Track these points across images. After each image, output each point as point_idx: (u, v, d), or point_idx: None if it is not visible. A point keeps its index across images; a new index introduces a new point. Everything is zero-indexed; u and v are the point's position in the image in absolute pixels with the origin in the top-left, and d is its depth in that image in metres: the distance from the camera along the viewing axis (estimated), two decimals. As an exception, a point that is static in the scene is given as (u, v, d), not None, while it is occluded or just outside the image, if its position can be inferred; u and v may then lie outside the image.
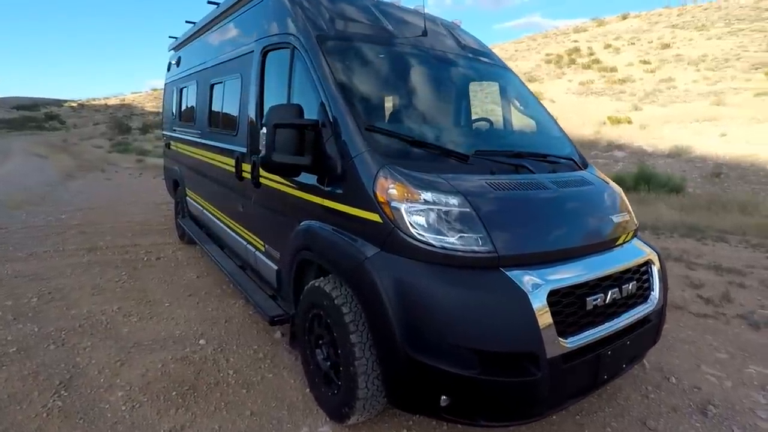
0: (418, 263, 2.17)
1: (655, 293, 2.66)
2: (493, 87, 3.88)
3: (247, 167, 3.59)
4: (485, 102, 4.08)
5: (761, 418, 2.82)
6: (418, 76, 3.11)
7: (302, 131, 2.60)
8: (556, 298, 2.14)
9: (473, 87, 3.88)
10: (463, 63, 3.58)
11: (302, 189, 2.82)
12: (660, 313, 2.70)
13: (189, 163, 5.54)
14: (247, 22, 3.80)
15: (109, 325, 3.84)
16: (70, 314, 4.00)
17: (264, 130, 2.59)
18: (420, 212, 2.20)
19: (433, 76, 3.29)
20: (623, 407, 2.89)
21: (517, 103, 3.80)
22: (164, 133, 7.10)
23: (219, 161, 4.27)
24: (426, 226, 2.19)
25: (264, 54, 3.39)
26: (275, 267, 3.27)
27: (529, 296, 2.07)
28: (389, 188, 2.28)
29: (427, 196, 2.24)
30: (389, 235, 2.23)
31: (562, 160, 3.03)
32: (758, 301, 4.68)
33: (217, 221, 4.55)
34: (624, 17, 58.28)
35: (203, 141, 4.84)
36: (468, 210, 2.21)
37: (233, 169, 3.84)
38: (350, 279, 2.36)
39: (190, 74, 5.51)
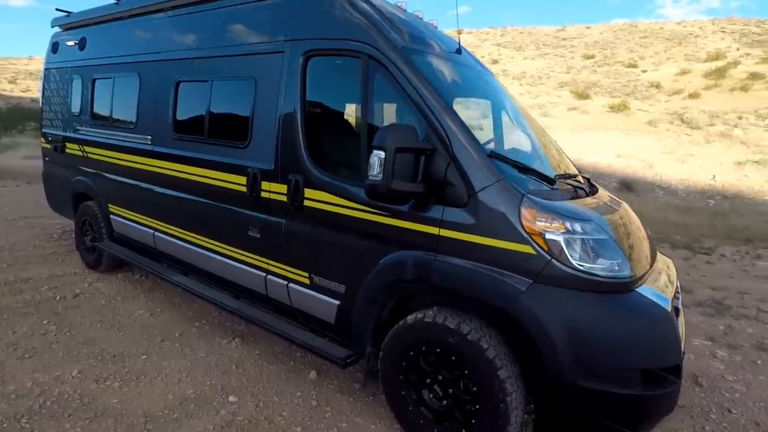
0: (577, 293, 2.19)
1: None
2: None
3: (273, 186, 3.09)
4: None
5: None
6: (486, 97, 3.09)
7: (419, 156, 2.36)
8: None
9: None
10: (493, 80, 3.66)
11: (398, 217, 2.55)
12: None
13: (123, 175, 4.45)
14: (268, 15, 3.19)
15: (84, 397, 2.89)
16: (9, 393, 2.89)
17: (380, 153, 2.28)
18: (573, 241, 2.23)
19: (492, 97, 3.30)
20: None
21: (519, 119, 3.91)
22: (50, 132, 5.54)
23: (206, 177, 3.55)
24: (578, 255, 2.22)
25: (307, 58, 2.94)
26: (335, 302, 2.90)
27: (669, 311, 2.29)
28: (538, 219, 2.25)
29: (574, 225, 2.27)
30: (545, 266, 2.20)
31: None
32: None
33: (196, 248, 3.77)
34: (459, 32, 65.36)
35: (163, 150, 3.94)
36: (606, 237, 2.32)
37: (241, 188, 3.26)
38: (500, 313, 2.25)
39: (123, 64, 4.42)
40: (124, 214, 4.56)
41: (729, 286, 6.06)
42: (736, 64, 33.11)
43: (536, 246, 2.21)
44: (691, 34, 43.53)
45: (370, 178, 2.34)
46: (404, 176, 2.32)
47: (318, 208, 2.88)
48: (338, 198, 2.78)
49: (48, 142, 5.59)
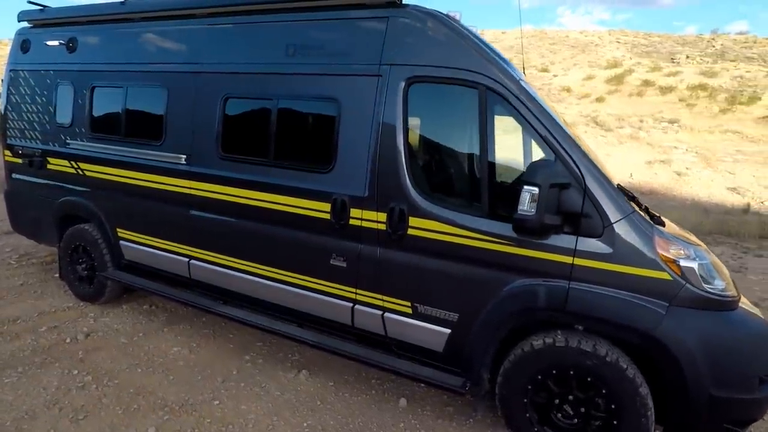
0: (706, 312, 2.44)
1: None
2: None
3: (366, 214, 2.99)
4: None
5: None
6: None
7: (559, 190, 2.45)
8: None
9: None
10: None
11: (526, 246, 2.61)
12: None
13: (140, 197, 3.97)
14: (361, 35, 3.02)
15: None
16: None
17: (533, 189, 2.33)
18: (701, 267, 2.47)
19: None
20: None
21: None
22: (20, 144, 4.74)
23: (271, 202, 3.31)
24: (703, 278, 2.47)
25: (409, 84, 2.87)
26: (445, 330, 2.89)
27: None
28: (671, 248, 2.46)
29: (696, 252, 2.53)
30: (681, 290, 2.41)
31: None
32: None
33: (251, 277, 3.50)
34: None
35: (205, 171, 3.59)
36: (709, 260, 2.60)
37: (323, 215, 3.11)
38: (643, 335, 2.42)
39: (141, 73, 3.92)
40: (141, 240, 4.08)
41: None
42: (631, 71, 37.16)
43: (671, 272, 2.42)
44: (591, 42, 48.19)
45: (520, 212, 2.39)
46: (551, 210, 2.40)
47: (425, 237, 2.85)
48: (450, 227, 2.77)
49: (16, 155, 4.79)
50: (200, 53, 3.64)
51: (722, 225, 10.90)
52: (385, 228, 2.94)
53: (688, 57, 37.50)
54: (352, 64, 3.04)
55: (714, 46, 39.00)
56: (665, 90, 30.63)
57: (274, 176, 3.32)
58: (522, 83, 2.69)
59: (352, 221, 3.05)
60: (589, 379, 2.53)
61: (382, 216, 2.95)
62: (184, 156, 3.70)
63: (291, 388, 3.36)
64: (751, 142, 20.72)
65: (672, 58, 39.22)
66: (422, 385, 3.41)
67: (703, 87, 29.38)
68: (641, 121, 26.16)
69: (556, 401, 2.66)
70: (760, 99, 26.68)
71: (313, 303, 3.30)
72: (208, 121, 3.56)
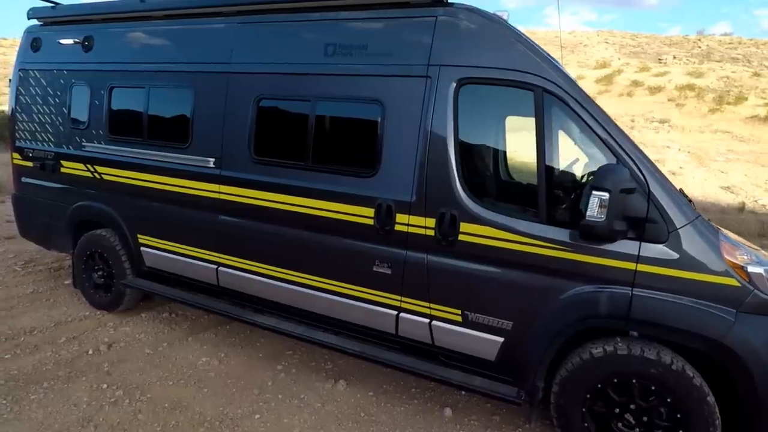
0: None
1: None
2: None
3: (414, 219, 2.90)
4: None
5: None
6: None
7: (626, 195, 2.39)
8: None
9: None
10: None
11: (586, 252, 2.54)
12: None
13: (164, 201, 3.82)
14: (408, 35, 2.91)
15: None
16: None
17: (603, 194, 2.27)
18: (766, 271, 2.43)
19: None
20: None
21: None
22: (31, 146, 4.54)
23: (309, 207, 3.20)
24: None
25: (460, 85, 2.79)
26: (498, 338, 2.81)
27: None
28: (737, 253, 2.42)
29: (755, 257, 2.50)
30: (749, 296, 2.37)
31: None
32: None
33: (285, 285, 3.38)
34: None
35: (236, 175, 3.46)
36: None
37: (366, 220, 3.01)
38: (711, 343, 2.37)
39: (164, 72, 3.76)
40: (164, 246, 3.93)
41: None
42: (619, 72, 37.61)
43: (739, 278, 2.38)
44: (580, 43, 48.73)
45: (588, 218, 2.33)
46: (618, 216, 2.34)
47: (478, 243, 2.77)
48: (505, 232, 2.70)
49: (26, 158, 4.59)
50: (231, 53, 3.50)
51: (721, 224, 10.96)
52: (434, 234, 2.85)
53: (675, 57, 38.09)
54: (397, 65, 2.94)
55: (700, 47, 39.70)
56: (654, 90, 31.05)
57: (311, 180, 3.21)
58: (578, 85, 2.63)
59: (397, 227, 2.95)
60: (653, 388, 2.48)
61: (431, 221, 2.86)
62: (213, 159, 3.57)
63: (331, 399, 3.25)
64: (741, 141, 21.12)
65: (659, 59, 39.79)
66: (463, 392, 3.36)
67: (690, 87, 29.83)
68: (633, 120, 26.47)
69: (616, 410, 2.60)
70: (746, 99, 27.19)
71: (354, 311, 3.20)
72: (239, 123, 3.43)
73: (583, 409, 2.65)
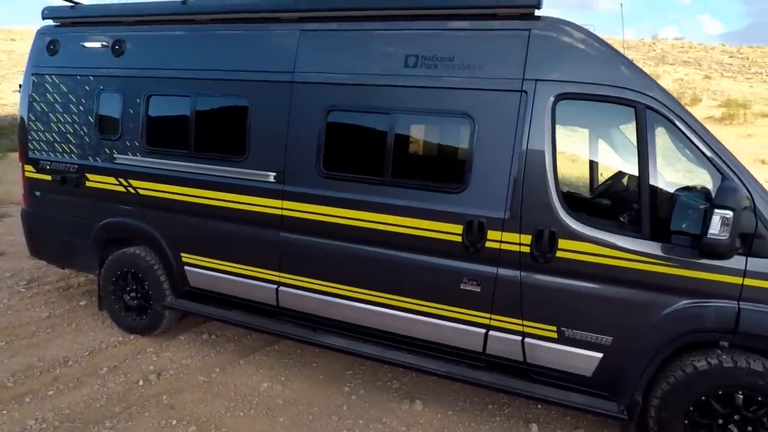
0: None
1: None
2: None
3: (507, 236, 2.85)
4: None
5: None
6: None
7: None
8: None
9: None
10: None
11: (691, 268, 2.56)
12: None
13: (215, 218, 3.58)
14: (501, 48, 2.83)
15: None
16: None
17: (726, 213, 2.29)
18: None
19: None
20: None
21: None
22: (48, 158, 4.15)
23: (387, 224, 3.08)
24: None
25: (557, 100, 2.75)
26: (597, 354, 2.80)
27: None
28: (842, 265, 2.51)
29: None
30: None
31: None
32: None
33: (365, 305, 3.23)
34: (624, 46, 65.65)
35: (301, 190, 3.28)
36: None
37: (453, 237, 2.94)
38: None
39: (215, 80, 3.51)
40: (213, 265, 3.68)
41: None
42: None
43: (840, 290, 2.47)
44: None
45: (710, 236, 2.35)
46: (737, 233, 2.37)
47: (577, 260, 2.75)
48: (606, 249, 2.69)
49: (42, 171, 4.19)
50: (295, 60, 3.31)
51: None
52: (529, 251, 2.81)
53: (632, 60, 39.90)
54: (488, 78, 2.86)
55: (655, 50, 41.76)
56: (617, 92, 32.43)
57: (390, 196, 3.09)
58: (680, 103, 2.65)
59: (489, 243, 2.89)
60: (759, 399, 2.54)
61: (526, 238, 2.81)
62: (274, 173, 3.37)
63: (413, 421, 3.15)
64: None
65: (618, 61, 41.58)
66: (539, 406, 3.34)
67: (649, 89, 31.38)
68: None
69: (720, 421, 2.64)
70: (700, 100, 28.88)
71: (438, 329, 3.11)
72: (306, 136, 3.26)
73: (686, 422, 2.68)
